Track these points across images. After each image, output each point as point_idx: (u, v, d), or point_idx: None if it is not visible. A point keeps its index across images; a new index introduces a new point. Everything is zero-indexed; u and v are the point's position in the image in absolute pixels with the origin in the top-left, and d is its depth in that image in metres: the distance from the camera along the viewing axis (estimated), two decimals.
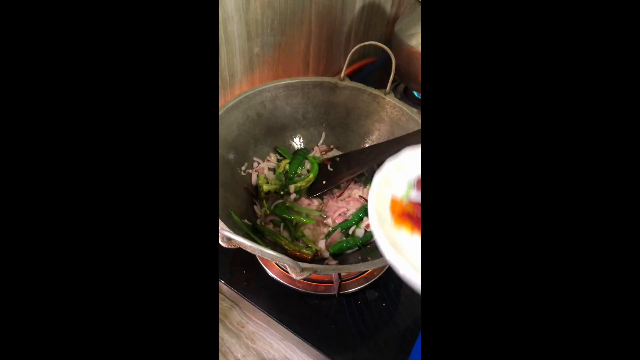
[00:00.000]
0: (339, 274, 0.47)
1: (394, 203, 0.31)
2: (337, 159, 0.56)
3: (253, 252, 0.36)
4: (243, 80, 0.60)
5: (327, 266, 0.44)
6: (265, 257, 0.37)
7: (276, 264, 0.51)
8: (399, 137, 0.52)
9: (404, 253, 0.26)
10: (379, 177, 0.33)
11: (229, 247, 0.35)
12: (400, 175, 0.34)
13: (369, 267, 0.37)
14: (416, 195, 0.32)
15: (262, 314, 0.50)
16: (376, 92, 0.56)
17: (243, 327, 0.53)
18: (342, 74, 0.56)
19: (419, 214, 0.30)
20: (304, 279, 0.49)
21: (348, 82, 0.56)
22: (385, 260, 0.38)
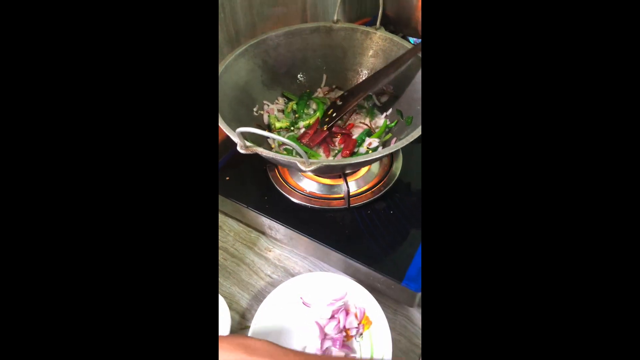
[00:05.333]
0: (348, 190, 0.53)
1: None
2: (345, 93, 0.61)
3: (267, 157, 0.42)
4: (248, 36, 0.67)
5: (332, 159, 0.49)
6: (279, 162, 0.43)
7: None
8: (391, 61, 0.57)
9: None
10: None
11: (247, 152, 0.42)
12: None
13: (367, 158, 0.43)
14: None
15: (286, 238, 0.56)
16: (368, 29, 0.61)
17: (270, 251, 0.60)
18: (335, 17, 0.61)
19: None
20: (318, 198, 0.56)
21: (342, 24, 0.62)
22: (385, 152, 0.44)
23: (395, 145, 0.44)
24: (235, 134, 0.40)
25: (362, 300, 0.49)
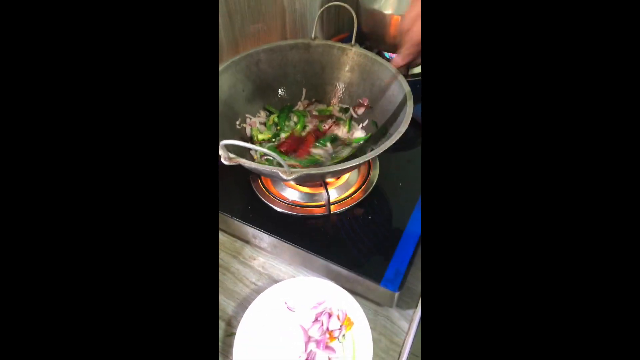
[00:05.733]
0: (328, 197, 0.56)
1: None
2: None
3: (250, 168, 0.45)
4: (230, 52, 0.69)
5: (312, 168, 0.52)
6: (261, 172, 0.45)
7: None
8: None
9: None
10: None
11: (231, 164, 0.44)
12: None
13: (345, 166, 0.45)
14: None
15: (270, 246, 0.58)
16: (344, 45, 0.64)
17: (254, 259, 0.62)
18: (313, 35, 0.65)
19: None
20: (300, 206, 0.58)
21: (319, 41, 0.65)
22: (362, 159, 0.47)
23: (372, 153, 0.47)
24: (219, 147, 0.42)
25: (344, 302, 0.51)
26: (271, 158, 0.60)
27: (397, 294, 0.48)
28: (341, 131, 0.65)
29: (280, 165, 0.42)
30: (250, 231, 0.58)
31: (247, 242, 0.63)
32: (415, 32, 0.47)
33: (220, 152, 0.43)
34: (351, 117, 0.67)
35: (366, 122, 0.65)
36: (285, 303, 0.53)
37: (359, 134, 0.65)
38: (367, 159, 0.46)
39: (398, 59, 0.54)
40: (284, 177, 0.43)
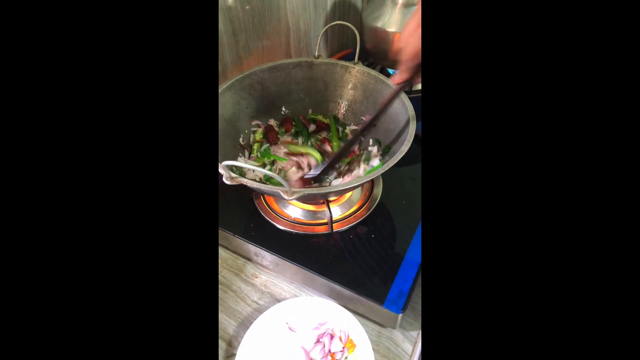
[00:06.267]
0: (331, 216, 0.55)
1: None
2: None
3: (252, 186, 0.45)
4: (234, 71, 0.70)
5: (313, 187, 0.52)
6: (263, 191, 0.45)
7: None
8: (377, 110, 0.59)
9: None
10: None
11: (232, 183, 0.44)
12: None
13: (347, 186, 0.45)
14: None
15: (272, 264, 0.58)
16: (347, 63, 0.65)
17: (256, 277, 0.61)
18: (316, 53, 0.65)
19: None
20: (303, 224, 0.58)
21: (322, 59, 0.66)
22: (365, 178, 0.46)
23: (374, 172, 0.47)
24: (221, 167, 0.42)
25: (346, 323, 0.50)
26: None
27: (400, 316, 0.47)
28: (360, 169, 0.62)
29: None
30: (252, 249, 0.58)
31: (249, 259, 0.62)
32: (411, 48, 0.48)
33: (222, 171, 0.43)
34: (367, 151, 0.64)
35: (370, 140, 0.65)
36: (287, 323, 0.52)
37: (375, 162, 0.61)
38: (369, 179, 0.46)
39: (396, 76, 0.54)
40: (285, 197, 0.43)
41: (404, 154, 0.47)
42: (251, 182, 0.45)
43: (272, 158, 0.63)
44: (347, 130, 0.67)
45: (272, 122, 0.68)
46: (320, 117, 0.69)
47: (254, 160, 0.63)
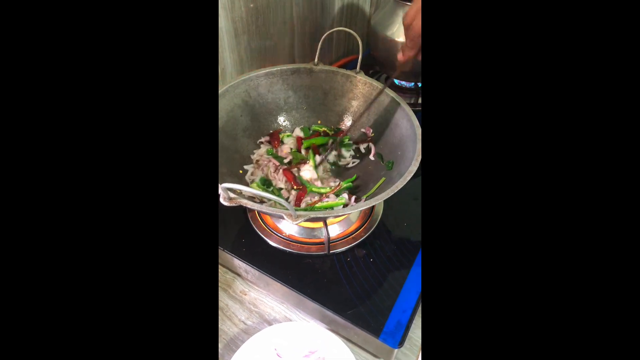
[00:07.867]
0: (328, 236, 0.52)
1: None
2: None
3: (253, 208, 0.41)
4: (234, 74, 0.66)
5: (318, 211, 0.49)
6: (264, 211, 0.42)
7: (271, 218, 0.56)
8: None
9: None
10: None
11: (231, 204, 0.40)
12: None
13: (353, 209, 0.42)
14: None
15: (262, 282, 0.55)
16: (348, 72, 0.62)
17: (245, 294, 0.58)
18: (316, 60, 0.62)
19: None
20: (297, 242, 0.55)
21: (322, 66, 0.62)
22: (368, 203, 0.44)
23: (381, 196, 0.44)
24: (220, 188, 0.39)
25: (338, 352, 0.48)
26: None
27: (396, 350, 0.44)
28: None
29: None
30: (242, 265, 0.55)
31: (239, 274, 0.59)
32: (418, 25, 0.47)
33: (220, 191, 0.40)
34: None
35: (373, 156, 0.62)
36: (275, 349, 0.49)
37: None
38: (375, 203, 0.43)
39: (400, 54, 0.52)
40: (290, 220, 0.40)
41: (412, 174, 0.45)
42: (251, 203, 0.41)
43: (271, 188, 0.59)
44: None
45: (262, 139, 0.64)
46: (324, 129, 0.65)
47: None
